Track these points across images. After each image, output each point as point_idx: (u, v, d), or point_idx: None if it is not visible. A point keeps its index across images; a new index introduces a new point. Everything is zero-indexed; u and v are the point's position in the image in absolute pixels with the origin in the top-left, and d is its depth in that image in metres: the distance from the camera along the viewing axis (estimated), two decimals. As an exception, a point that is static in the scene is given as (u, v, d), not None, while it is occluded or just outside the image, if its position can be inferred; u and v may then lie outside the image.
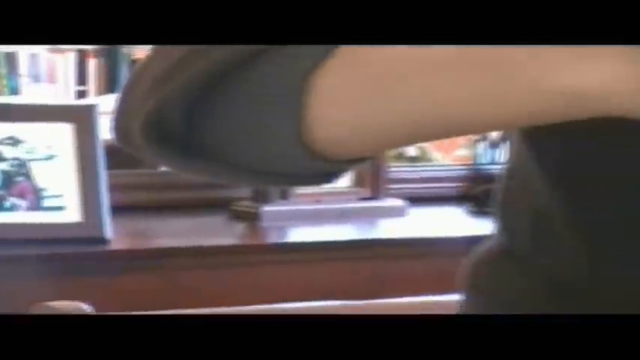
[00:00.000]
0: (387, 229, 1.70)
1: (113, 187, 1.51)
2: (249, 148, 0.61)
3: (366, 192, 1.69)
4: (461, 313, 0.76)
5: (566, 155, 0.66)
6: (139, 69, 0.62)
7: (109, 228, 1.44)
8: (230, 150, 0.61)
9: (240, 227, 1.65)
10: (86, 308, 1.07)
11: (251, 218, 1.60)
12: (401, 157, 2.01)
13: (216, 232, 1.63)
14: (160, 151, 0.60)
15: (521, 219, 0.72)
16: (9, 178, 1.51)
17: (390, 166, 1.80)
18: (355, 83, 0.57)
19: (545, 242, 0.70)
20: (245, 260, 1.56)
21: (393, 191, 1.75)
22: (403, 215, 1.68)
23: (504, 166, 0.73)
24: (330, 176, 0.62)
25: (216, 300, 1.14)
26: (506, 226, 0.73)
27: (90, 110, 1.52)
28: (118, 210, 1.51)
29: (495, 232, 0.73)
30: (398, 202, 1.68)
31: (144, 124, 0.60)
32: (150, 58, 0.62)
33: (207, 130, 0.62)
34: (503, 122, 0.60)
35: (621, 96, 0.51)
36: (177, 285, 1.47)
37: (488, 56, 0.55)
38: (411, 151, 2.03)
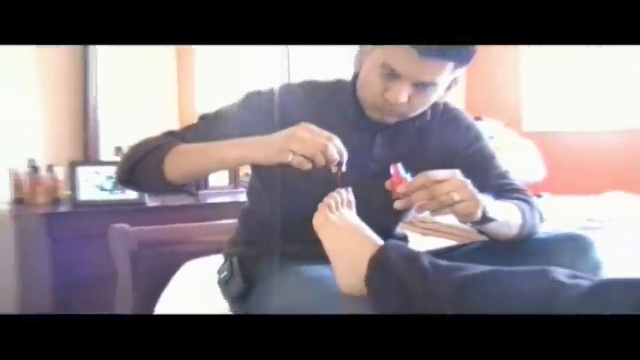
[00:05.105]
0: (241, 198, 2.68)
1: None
2: (152, 184, 1.19)
3: (232, 186, 2.91)
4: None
5: (267, 177, 1.19)
6: (128, 150, 1.16)
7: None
8: (145, 184, 1.22)
9: (190, 198, 2.76)
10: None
11: (193, 194, 2.73)
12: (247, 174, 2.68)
13: (182, 200, 2.67)
14: (127, 187, 1.23)
15: (255, 214, 1.31)
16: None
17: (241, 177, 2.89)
18: (180, 159, 1.12)
19: (263, 224, 1.27)
20: (192, 209, 2.62)
21: (243, 185, 2.83)
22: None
23: (248, 187, 1.32)
24: (179, 191, 1.17)
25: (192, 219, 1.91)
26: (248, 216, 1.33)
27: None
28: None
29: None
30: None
31: (119, 178, 1.24)
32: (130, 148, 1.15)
33: (137, 177, 1.20)
34: (226, 167, 1.10)
35: (252, 158, 1.05)
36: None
37: (216, 146, 1.11)
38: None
